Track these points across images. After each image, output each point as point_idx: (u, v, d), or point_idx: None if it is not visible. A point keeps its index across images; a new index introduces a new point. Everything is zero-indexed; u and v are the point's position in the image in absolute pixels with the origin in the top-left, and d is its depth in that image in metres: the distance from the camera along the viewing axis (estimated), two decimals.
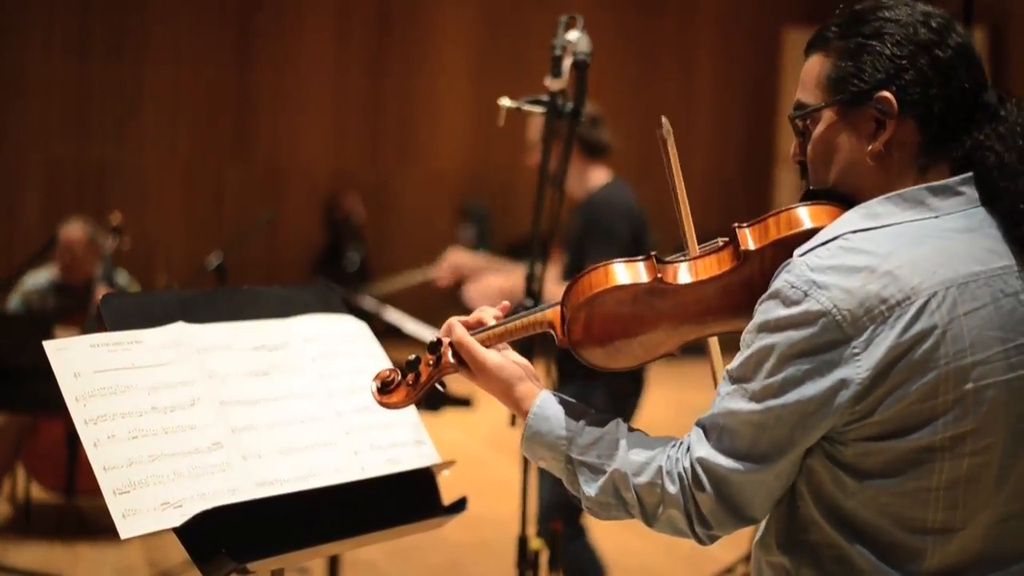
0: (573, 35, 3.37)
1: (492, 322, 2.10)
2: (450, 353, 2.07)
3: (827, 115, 1.86)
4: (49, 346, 2.32)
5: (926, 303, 1.69)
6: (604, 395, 4.31)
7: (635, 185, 4.73)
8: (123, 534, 2.20)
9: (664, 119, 2.02)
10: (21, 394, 5.41)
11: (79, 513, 6.13)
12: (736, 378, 1.78)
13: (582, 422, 1.92)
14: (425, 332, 5.34)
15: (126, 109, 11.52)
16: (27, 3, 11.15)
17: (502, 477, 6.50)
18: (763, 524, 1.89)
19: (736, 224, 1.90)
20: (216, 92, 11.85)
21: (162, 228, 11.44)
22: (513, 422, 3.63)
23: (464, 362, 2.06)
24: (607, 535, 4.63)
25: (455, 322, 2.09)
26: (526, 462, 3.60)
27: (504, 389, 2.01)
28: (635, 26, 13.06)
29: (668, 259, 1.95)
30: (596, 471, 1.88)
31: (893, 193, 1.79)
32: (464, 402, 4.79)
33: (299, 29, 12.11)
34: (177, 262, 11.06)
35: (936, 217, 1.77)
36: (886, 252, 1.71)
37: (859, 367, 1.68)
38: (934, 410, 1.69)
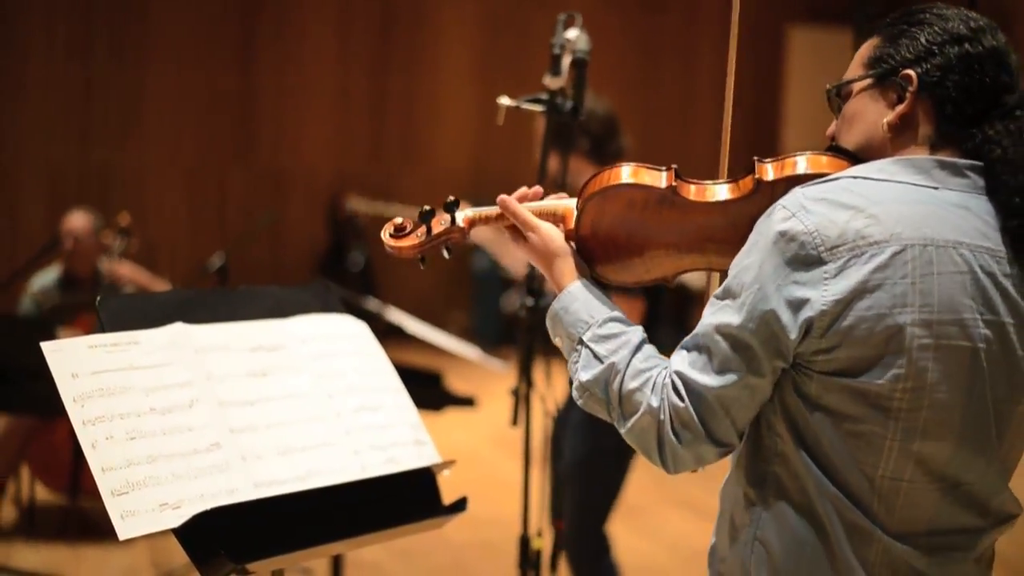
0: (572, 33, 3.37)
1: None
2: (460, 217, 2.14)
3: (859, 86, 1.97)
4: (47, 347, 2.32)
5: (902, 250, 1.77)
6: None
7: None
8: (121, 535, 2.21)
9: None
10: (25, 396, 5.40)
11: (83, 514, 6.12)
12: (720, 296, 1.87)
13: (607, 315, 2.00)
14: (427, 332, 5.34)
15: (128, 110, 11.52)
16: (29, 5, 11.15)
17: (504, 477, 6.49)
18: (733, 464, 1.98)
19: (757, 158, 1.98)
20: (218, 93, 11.85)
21: (165, 229, 11.44)
22: (515, 422, 3.64)
23: (461, 233, 2.16)
24: (613, 535, 4.62)
25: (507, 197, 2.15)
26: (528, 462, 3.60)
27: (548, 258, 2.10)
28: (638, 24, 13.06)
29: (687, 178, 2.01)
30: (597, 359, 1.96)
31: (903, 156, 1.89)
32: (467, 401, 4.79)
33: (301, 30, 12.11)
34: (180, 263, 11.06)
35: (936, 188, 1.85)
36: (878, 200, 1.81)
37: (825, 291, 1.76)
38: (898, 356, 1.77)
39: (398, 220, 2.17)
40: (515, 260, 4.53)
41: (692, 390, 1.84)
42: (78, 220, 6.50)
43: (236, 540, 2.29)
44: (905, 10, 1.98)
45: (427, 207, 2.15)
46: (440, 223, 2.15)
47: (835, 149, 1.99)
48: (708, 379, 1.83)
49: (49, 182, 11.22)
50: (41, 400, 5.28)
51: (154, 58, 11.56)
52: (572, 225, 2.07)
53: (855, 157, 1.95)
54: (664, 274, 2.08)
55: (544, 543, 3.65)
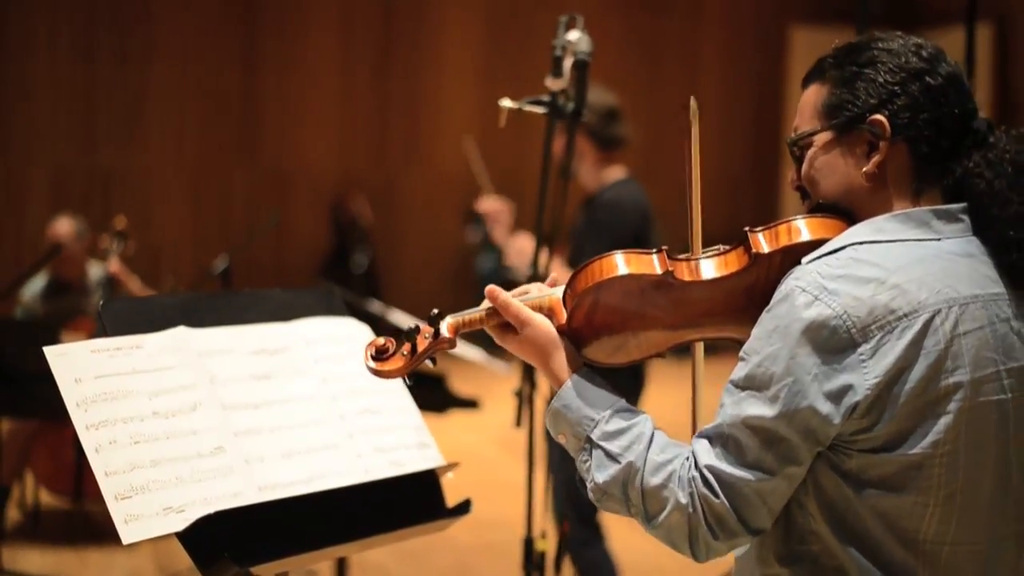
0: (573, 35, 3.36)
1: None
2: (444, 327, 2.04)
3: (822, 139, 1.92)
4: (50, 352, 2.32)
5: (932, 318, 1.74)
6: None
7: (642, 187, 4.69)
8: (125, 539, 2.20)
9: (692, 99, 2.03)
10: (29, 400, 5.40)
11: (87, 518, 6.13)
12: (744, 386, 1.79)
13: (611, 409, 1.92)
14: None
15: (132, 113, 11.53)
16: (32, 7, 11.16)
17: (509, 479, 6.49)
18: (758, 541, 1.89)
19: (748, 228, 1.92)
20: (221, 95, 11.86)
21: (168, 231, 11.45)
22: (518, 424, 3.63)
23: (449, 343, 2.04)
24: (615, 535, 4.62)
25: (496, 288, 2.05)
26: (532, 464, 3.59)
27: (544, 352, 2.00)
28: (642, 26, 13.05)
29: (678, 256, 1.96)
30: (612, 459, 1.88)
31: (900, 211, 1.85)
32: (470, 403, 4.78)
33: (304, 32, 12.11)
34: (184, 265, 11.06)
35: (939, 240, 1.83)
36: (895, 267, 1.76)
37: (866, 374, 1.72)
38: (935, 423, 1.73)
39: (380, 341, 2.05)
40: (522, 258, 4.54)
41: (726, 484, 1.77)
42: (63, 226, 6.51)
43: (240, 543, 2.28)
44: (845, 47, 1.94)
45: (411, 325, 2.05)
46: (424, 338, 2.04)
47: (820, 208, 1.93)
48: (743, 472, 1.76)
49: (53, 184, 11.23)
50: (45, 404, 5.27)
51: (158, 61, 11.57)
52: (563, 319, 1.99)
53: (841, 211, 1.91)
54: (658, 349, 2.03)
55: (548, 545, 3.64)
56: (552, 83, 3.38)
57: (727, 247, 1.95)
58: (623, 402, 1.95)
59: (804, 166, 1.95)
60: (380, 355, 2.05)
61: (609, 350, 2.02)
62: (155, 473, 2.30)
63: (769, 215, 13.24)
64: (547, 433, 4.12)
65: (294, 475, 2.49)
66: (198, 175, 11.83)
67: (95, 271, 6.52)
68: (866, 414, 1.72)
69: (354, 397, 2.68)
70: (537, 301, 2.04)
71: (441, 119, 12.61)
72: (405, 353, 2.04)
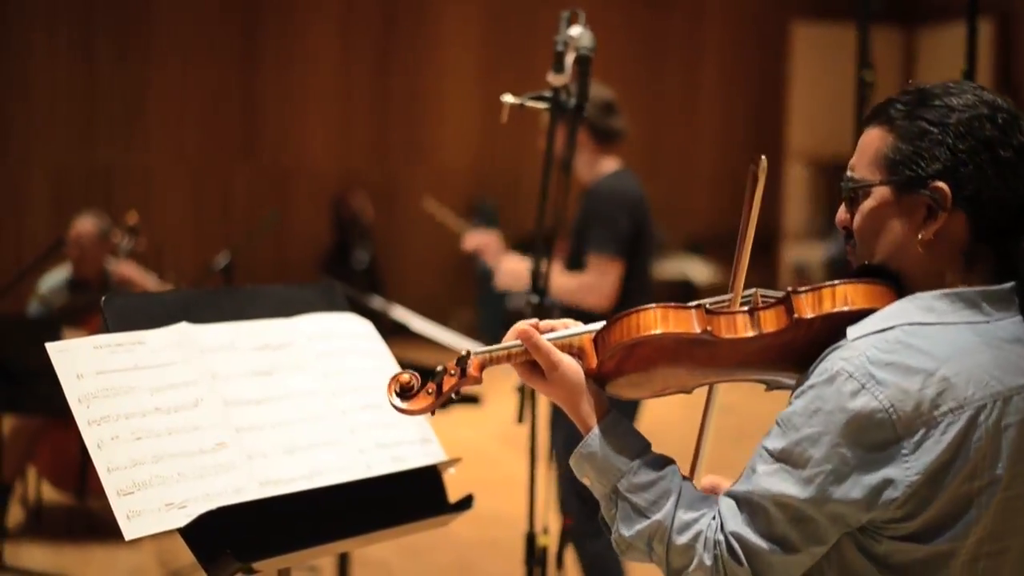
0: (575, 30, 3.36)
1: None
2: (471, 365, 2.01)
3: (880, 192, 1.86)
4: (52, 348, 2.32)
5: (976, 415, 1.72)
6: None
7: (640, 180, 4.68)
8: (127, 535, 2.20)
9: (763, 158, 2.00)
10: (31, 396, 5.41)
11: (90, 514, 6.14)
12: (778, 458, 1.77)
13: (640, 460, 1.89)
14: (432, 330, 5.33)
15: (132, 111, 11.53)
16: (31, 5, 11.15)
17: (511, 474, 6.49)
18: None
19: (791, 288, 1.88)
20: (222, 92, 11.86)
21: (170, 229, 11.45)
22: (521, 419, 3.63)
23: (475, 381, 2.00)
24: None
25: (530, 328, 1.99)
26: (534, 459, 3.60)
27: (572, 397, 1.96)
28: (643, 21, 13.05)
29: (714, 308, 1.93)
30: (639, 513, 1.87)
31: (950, 291, 1.81)
32: (472, 399, 4.78)
33: (304, 28, 12.11)
34: (185, 262, 11.06)
35: (988, 323, 1.80)
36: (944, 356, 1.73)
37: (908, 469, 1.70)
38: (967, 516, 1.73)
39: (404, 377, 2.01)
40: (513, 279, 4.53)
41: (751, 552, 1.76)
42: (84, 225, 6.50)
43: (242, 539, 2.28)
44: (915, 94, 1.86)
45: (440, 367, 2.00)
46: (451, 375, 2.00)
47: (867, 270, 1.89)
48: (768, 544, 1.75)
49: (54, 183, 11.23)
50: (48, 400, 5.27)
51: (157, 58, 11.57)
52: (594, 364, 1.97)
53: (883, 272, 1.87)
54: (683, 388, 2.02)
55: (550, 540, 3.64)
56: (554, 79, 3.38)
57: (767, 300, 1.91)
58: (650, 450, 1.93)
59: (857, 217, 1.89)
60: (405, 393, 2.02)
61: (634, 388, 2.02)
62: (157, 469, 2.30)
63: (770, 212, 13.25)
64: (550, 427, 4.14)
65: (296, 471, 2.49)
66: (199, 173, 11.83)
67: (112, 268, 6.53)
68: (903, 506, 1.71)
69: (356, 393, 2.68)
70: (568, 341, 2.00)
71: (442, 115, 12.61)
72: (430, 392, 2.02)
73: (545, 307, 3.53)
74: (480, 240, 4.76)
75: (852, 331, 1.78)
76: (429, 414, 2.04)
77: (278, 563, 2.41)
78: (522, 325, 1.99)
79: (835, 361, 1.75)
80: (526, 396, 3.59)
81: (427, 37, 12.51)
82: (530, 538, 3.60)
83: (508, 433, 6.86)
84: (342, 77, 12.29)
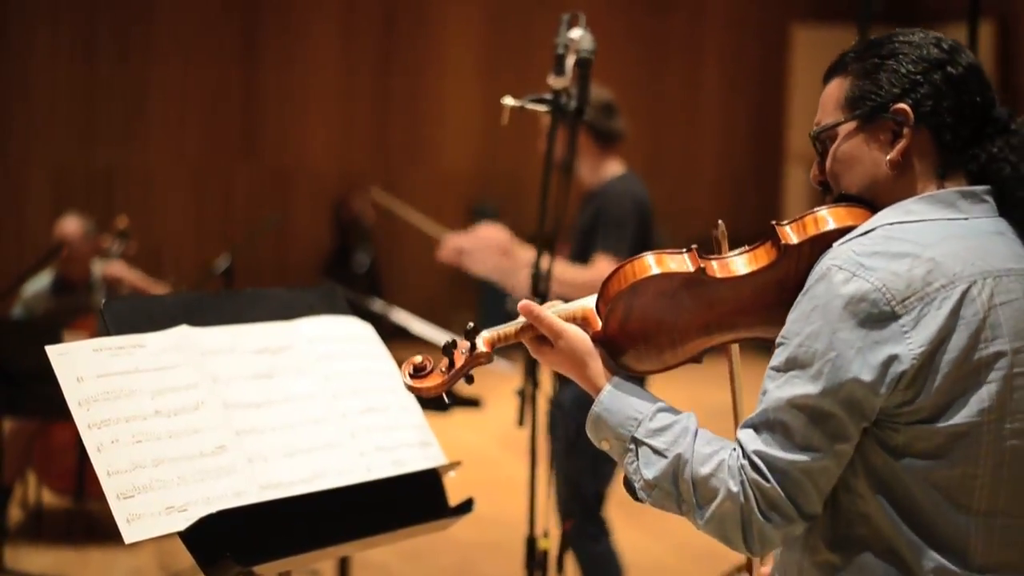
0: (576, 33, 3.35)
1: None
2: (481, 341, 2.04)
3: (845, 129, 1.95)
4: (52, 351, 2.32)
5: (968, 288, 1.77)
6: None
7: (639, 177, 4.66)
8: (127, 539, 2.20)
9: (720, 223, 2.04)
10: (31, 399, 5.40)
11: (90, 517, 6.13)
12: (783, 368, 1.81)
13: (655, 407, 1.93)
14: (432, 333, 5.33)
15: (133, 111, 11.53)
16: (32, 6, 11.15)
17: (511, 477, 6.48)
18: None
19: (774, 222, 1.94)
20: (223, 93, 11.86)
21: (170, 230, 11.45)
22: (521, 422, 3.63)
23: (486, 357, 2.03)
24: (617, 533, 4.62)
25: (529, 302, 2.07)
26: (534, 462, 3.59)
27: (580, 362, 2.01)
28: (643, 24, 13.05)
29: (708, 255, 1.97)
30: (659, 454, 1.88)
31: (927, 194, 1.88)
32: (473, 402, 4.78)
33: (305, 29, 12.11)
34: (185, 264, 11.07)
35: (967, 219, 1.86)
36: (927, 242, 1.80)
37: (910, 344, 1.74)
38: (978, 391, 1.76)
39: (417, 359, 2.04)
40: (518, 285, 4.50)
41: (777, 468, 1.78)
42: (70, 225, 6.47)
43: (242, 542, 2.28)
44: (867, 43, 1.97)
45: (448, 339, 2.05)
46: (461, 352, 2.03)
47: (844, 198, 1.95)
48: (793, 455, 1.77)
49: (54, 183, 11.23)
50: (47, 403, 5.28)
51: (158, 59, 11.57)
52: (599, 326, 2.01)
53: (866, 202, 1.93)
54: (692, 355, 2.04)
55: (551, 543, 3.64)
56: (554, 81, 3.37)
57: (754, 244, 1.96)
58: (664, 403, 1.95)
59: (828, 160, 1.98)
60: (418, 372, 2.04)
61: (644, 357, 2.03)
62: (157, 472, 2.30)
63: (772, 214, 13.16)
64: (549, 430, 4.13)
65: (296, 474, 2.49)
66: (199, 174, 11.83)
67: (99, 270, 6.51)
68: (911, 384, 1.74)
69: (356, 396, 2.68)
70: (570, 312, 2.05)
71: (443, 117, 12.61)
72: (443, 369, 2.03)
73: None
74: (453, 246, 4.56)
75: (839, 242, 1.85)
76: (443, 396, 2.05)
77: (278, 567, 2.41)
78: (524, 301, 2.06)
79: (823, 263, 1.82)
80: (526, 399, 3.58)
81: (428, 38, 12.51)
82: (530, 541, 3.59)
83: (508, 436, 6.86)
84: (343, 78, 12.29)
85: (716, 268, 1.95)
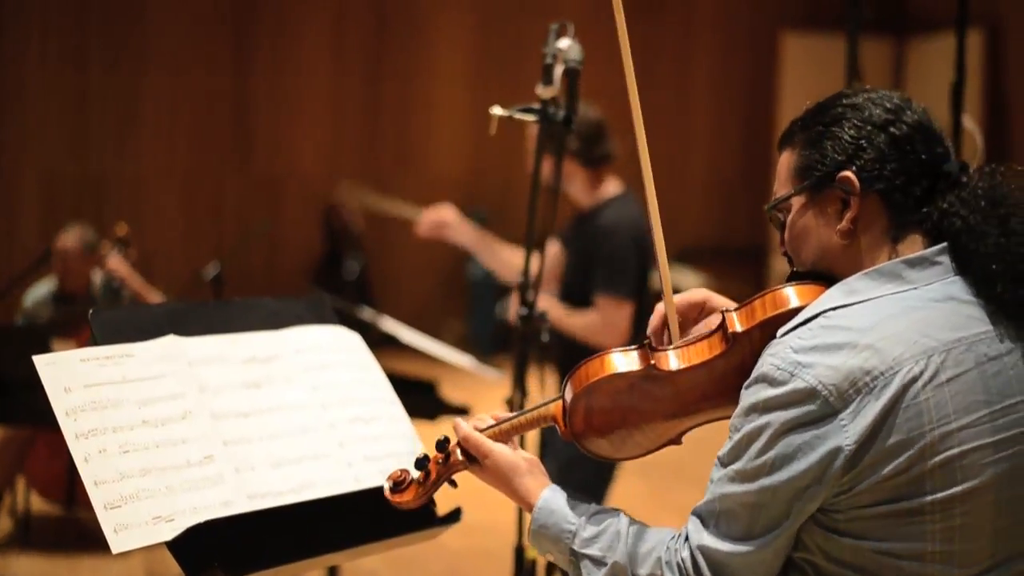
0: (564, 43, 3.36)
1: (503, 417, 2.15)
2: (459, 451, 2.12)
3: (797, 203, 1.93)
4: (39, 360, 2.32)
5: (909, 372, 1.73)
6: None
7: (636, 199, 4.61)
8: (115, 549, 2.20)
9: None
10: (20, 407, 5.39)
11: (79, 525, 6.12)
12: (728, 462, 1.81)
13: (584, 517, 1.96)
14: (421, 342, 5.33)
15: (124, 119, 11.51)
16: (23, 14, 11.14)
17: None
18: None
19: (725, 309, 1.94)
20: (213, 101, 11.84)
21: (161, 238, 11.43)
22: None
23: (473, 458, 2.11)
24: None
25: (460, 421, 2.14)
26: None
27: (510, 480, 2.07)
28: (633, 32, 12.93)
29: (658, 347, 1.98)
30: (598, 563, 1.92)
31: (871, 269, 1.85)
32: (462, 411, 4.78)
33: (296, 37, 12.10)
34: (175, 271, 11.04)
35: (915, 288, 1.82)
36: (866, 326, 1.76)
37: (847, 437, 1.71)
38: (921, 476, 1.73)
39: (396, 473, 2.17)
40: (503, 266, 4.52)
41: (713, 562, 1.79)
42: (68, 239, 6.45)
43: (230, 552, 2.28)
44: (813, 109, 1.96)
45: (422, 454, 2.15)
46: (437, 463, 2.14)
47: (796, 275, 1.94)
48: (732, 547, 1.78)
49: (45, 191, 11.21)
50: (37, 411, 5.25)
51: (149, 66, 11.55)
52: (564, 427, 2.05)
53: (819, 276, 1.91)
54: (669, 438, 2.05)
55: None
56: (542, 91, 3.37)
57: (711, 329, 1.96)
58: (593, 506, 1.99)
59: (785, 233, 1.97)
60: (397, 487, 2.16)
61: (620, 447, 2.06)
62: (145, 482, 2.29)
63: (761, 222, 13.23)
64: (541, 446, 4.14)
65: (284, 484, 2.49)
66: (190, 181, 11.81)
67: (99, 280, 6.49)
68: (850, 473, 1.73)
69: (344, 406, 2.68)
70: (539, 414, 2.10)
71: (433, 125, 12.61)
72: (420, 481, 2.16)
73: (535, 318, 3.52)
74: (431, 219, 4.63)
75: (781, 330, 1.82)
76: (427, 500, 2.18)
77: None
78: (456, 420, 2.14)
79: (764, 360, 1.80)
80: (515, 408, 3.58)
81: (419, 46, 12.51)
82: (519, 549, 3.60)
83: None
84: (334, 86, 12.29)
85: (668, 362, 1.95)
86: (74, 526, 6.11)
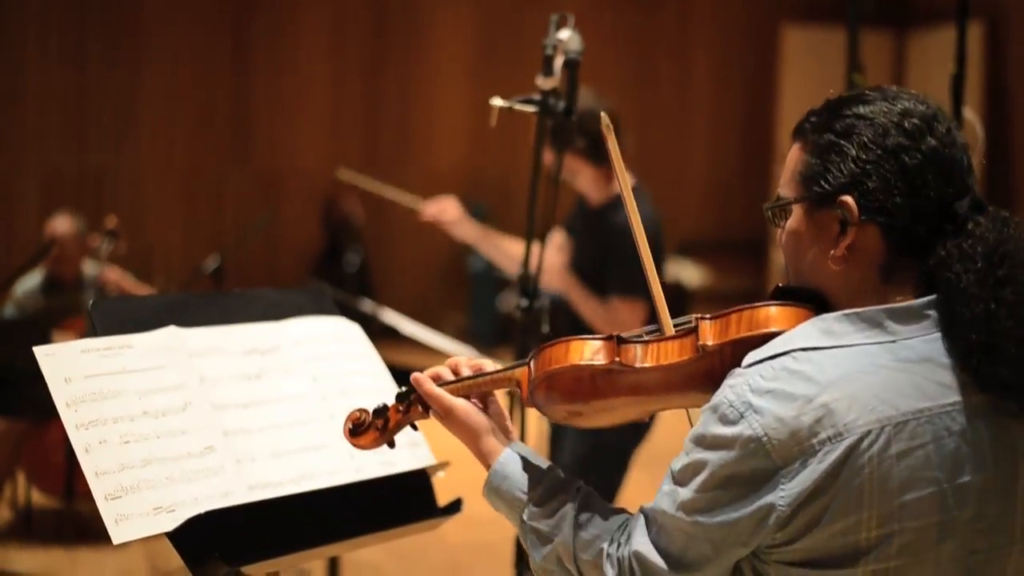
0: (564, 34, 3.35)
1: (466, 372, 2.12)
2: (420, 405, 2.11)
3: (796, 210, 1.83)
4: (39, 351, 2.32)
5: (858, 442, 1.64)
6: None
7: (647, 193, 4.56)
8: (115, 539, 2.20)
9: (603, 114, 1.98)
10: (20, 400, 5.40)
11: (79, 518, 6.12)
12: (676, 480, 1.76)
13: (539, 488, 1.93)
14: (421, 334, 5.33)
15: (123, 114, 11.51)
16: (23, 10, 11.13)
17: None
18: None
19: (700, 315, 1.86)
20: (213, 96, 11.84)
21: (161, 232, 11.43)
22: (511, 415, 3.63)
23: (419, 415, 2.11)
24: None
25: (421, 376, 2.09)
26: None
27: (470, 438, 2.04)
28: (632, 24, 13.05)
29: (629, 338, 1.92)
30: (543, 539, 1.90)
31: (851, 311, 1.73)
32: None
33: (295, 32, 12.10)
34: (176, 266, 11.05)
35: (894, 341, 1.71)
36: (828, 381, 1.66)
37: (783, 496, 1.65)
38: (856, 545, 1.66)
39: (355, 414, 2.14)
40: (492, 250, 4.53)
41: (650, 572, 1.75)
42: (61, 224, 6.45)
43: (231, 543, 2.28)
44: (829, 105, 1.83)
45: (381, 404, 2.13)
46: (397, 411, 2.13)
47: (782, 293, 1.85)
48: (664, 563, 1.74)
49: (45, 187, 11.21)
50: (35, 403, 5.26)
51: (148, 62, 11.55)
52: (527, 396, 2.01)
53: (806, 294, 1.82)
54: (638, 416, 2.02)
55: None
56: (543, 82, 3.37)
57: (686, 327, 1.89)
58: (549, 476, 1.95)
59: (781, 236, 1.87)
60: (356, 429, 2.14)
61: (577, 421, 2.03)
62: (145, 473, 2.30)
63: (760, 215, 13.14)
64: (551, 443, 4.14)
65: (284, 474, 2.49)
66: (190, 176, 11.81)
67: (90, 270, 6.49)
68: (782, 530, 1.67)
69: (344, 396, 2.68)
70: (507, 375, 2.07)
71: (433, 119, 12.60)
72: (379, 427, 2.14)
73: (536, 310, 3.52)
74: (433, 210, 4.61)
75: (749, 357, 1.73)
76: (386, 446, 2.16)
77: (267, 567, 2.41)
78: (415, 374, 2.09)
79: (723, 390, 1.72)
80: (516, 400, 3.58)
81: (418, 40, 12.50)
82: (520, 541, 3.59)
83: None
84: (333, 80, 12.28)
85: (634, 358, 1.90)
86: (74, 519, 6.12)
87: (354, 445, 2.14)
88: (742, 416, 1.67)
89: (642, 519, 1.81)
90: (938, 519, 1.67)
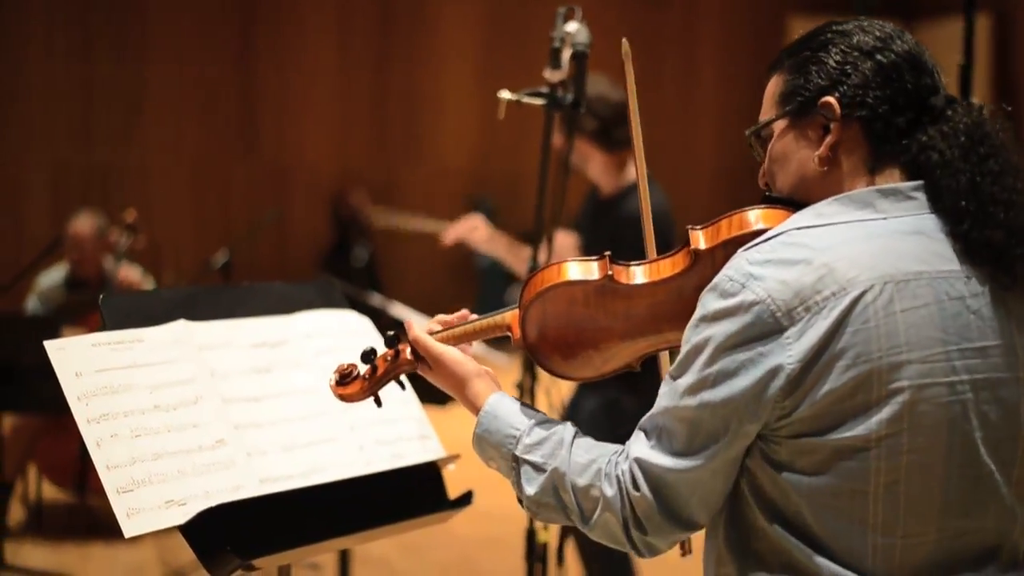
0: (572, 26, 3.36)
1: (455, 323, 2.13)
2: (408, 351, 2.10)
3: (778, 127, 1.91)
4: (50, 346, 2.32)
5: (861, 295, 1.67)
6: (633, 401, 4.03)
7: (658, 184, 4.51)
8: (127, 533, 2.21)
9: (624, 41, 2.05)
10: (32, 394, 5.41)
11: (91, 512, 6.14)
12: (675, 376, 1.77)
13: (531, 422, 1.93)
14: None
15: (130, 109, 11.52)
16: (28, 5, 11.15)
17: None
18: (712, 538, 1.86)
19: (690, 226, 1.90)
20: (220, 91, 11.85)
21: (169, 227, 11.44)
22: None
23: (422, 359, 2.10)
24: None
25: (412, 321, 2.12)
26: None
27: (459, 384, 2.05)
28: (639, 18, 13.04)
29: (623, 261, 1.94)
30: (538, 469, 1.89)
31: (842, 195, 1.79)
32: None
33: (302, 26, 12.10)
34: (184, 261, 11.06)
35: (884, 219, 1.76)
36: (825, 246, 1.71)
37: (790, 355, 1.66)
38: (867, 405, 1.66)
39: (344, 365, 2.13)
40: (517, 262, 4.50)
41: (651, 476, 1.75)
42: (81, 225, 6.50)
43: (242, 536, 2.29)
44: (803, 35, 1.92)
45: (368, 348, 2.12)
46: (385, 360, 2.11)
47: (768, 199, 1.90)
48: (669, 462, 1.74)
49: (53, 182, 11.23)
50: (47, 398, 5.27)
51: (155, 56, 11.56)
52: (518, 335, 2.01)
53: (792, 203, 1.86)
54: (626, 362, 2.01)
55: (550, 536, 3.65)
56: (550, 75, 3.37)
57: (672, 251, 1.92)
58: (541, 415, 1.96)
59: (765, 159, 1.94)
60: (342, 380, 2.13)
61: (574, 364, 2.02)
62: (156, 466, 2.30)
63: None
64: (561, 416, 4.13)
65: (295, 468, 2.50)
66: (197, 171, 11.82)
67: (110, 265, 6.52)
68: (790, 395, 1.67)
69: None
70: (496, 320, 2.08)
71: (441, 114, 12.60)
72: (366, 377, 2.12)
73: None
74: (460, 231, 4.57)
75: (743, 248, 1.77)
76: (372, 398, 2.14)
77: (278, 560, 2.42)
78: (407, 320, 2.13)
79: (720, 272, 1.75)
80: (525, 392, 3.59)
81: (425, 34, 12.50)
82: (530, 534, 3.60)
83: None
84: (340, 75, 12.28)
85: (627, 275, 1.92)
86: (85, 514, 6.13)
87: (340, 397, 2.13)
88: (743, 286, 1.70)
89: (640, 433, 1.81)
90: (946, 380, 1.69)
